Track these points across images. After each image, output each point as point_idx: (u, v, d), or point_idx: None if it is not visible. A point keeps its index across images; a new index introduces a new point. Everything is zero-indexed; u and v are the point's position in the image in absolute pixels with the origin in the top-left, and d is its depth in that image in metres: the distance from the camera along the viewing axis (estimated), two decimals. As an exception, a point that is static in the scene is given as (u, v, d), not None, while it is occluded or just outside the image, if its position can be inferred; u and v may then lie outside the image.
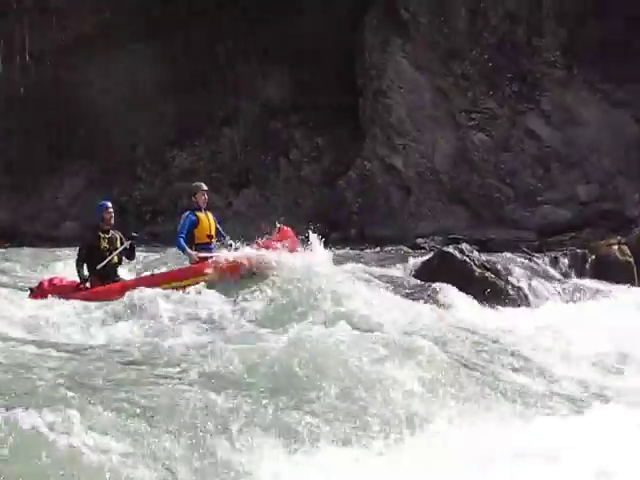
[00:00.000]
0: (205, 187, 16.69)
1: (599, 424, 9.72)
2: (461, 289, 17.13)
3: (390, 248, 27.65)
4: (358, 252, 26.02)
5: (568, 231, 27.02)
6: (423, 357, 10.87)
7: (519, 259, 21.27)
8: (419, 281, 18.47)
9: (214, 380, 9.49)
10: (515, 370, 12.10)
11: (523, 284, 18.79)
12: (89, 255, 15.30)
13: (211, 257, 15.91)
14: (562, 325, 15.19)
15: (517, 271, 19.34)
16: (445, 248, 20.47)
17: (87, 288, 15.15)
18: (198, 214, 16.16)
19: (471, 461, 8.50)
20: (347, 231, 30.26)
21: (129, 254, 16.06)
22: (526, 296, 18.39)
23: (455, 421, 9.59)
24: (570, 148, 29.56)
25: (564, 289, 19.42)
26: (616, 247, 21.86)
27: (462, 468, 8.22)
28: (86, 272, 15.35)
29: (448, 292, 16.94)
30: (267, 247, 15.96)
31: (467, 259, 18.92)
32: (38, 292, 15.25)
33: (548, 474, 8.24)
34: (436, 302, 16.47)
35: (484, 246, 23.26)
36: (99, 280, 15.30)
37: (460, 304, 16.70)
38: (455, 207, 30.05)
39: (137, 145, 35.20)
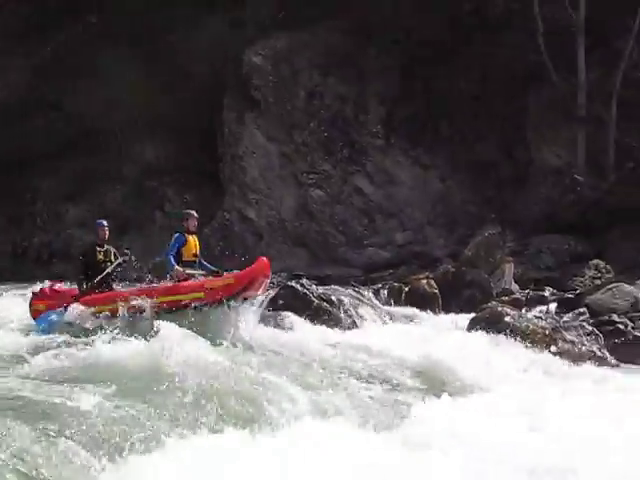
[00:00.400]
0: (195, 214, 16.41)
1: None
2: (303, 316, 17.64)
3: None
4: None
5: (388, 268, 27.43)
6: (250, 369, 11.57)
7: (349, 291, 21.21)
8: (268, 311, 18.47)
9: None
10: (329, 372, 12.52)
11: (352, 311, 19.05)
12: (87, 266, 15.02)
13: (194, 275, 15.74)
14: (381, 342, 15.43)
15: (347, 301, 19.44)
16: (289, 283, 20.49)
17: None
18: (187, 236, 15.91)
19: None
20: (211, 269, 29.89)
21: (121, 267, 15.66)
22: (354, 320, 18.62)
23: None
24: (389, 202, 30.39)
25: (384, 315, 19.81)
26: (425, 281, 22.36)
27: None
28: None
29: (290, 318, 17.46)
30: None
31: (307, 291, 19.28)
32: (41, 297, 14.98)
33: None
34: (279, 326, 17.03)
35: (321, 281, 23.44)
36: (95, 289, 15.06)
37: (299, 327, 17.14)
38: (298, 249, 30.51)
39: (37, 199, 34.92)
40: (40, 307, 15.37)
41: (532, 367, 14.69)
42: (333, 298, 19.26)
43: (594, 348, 16.23)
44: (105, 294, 14.94)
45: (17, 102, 35.16)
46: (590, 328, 17.24)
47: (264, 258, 15.77)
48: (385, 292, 22.69)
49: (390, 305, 21.39)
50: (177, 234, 15.94)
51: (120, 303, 14.54)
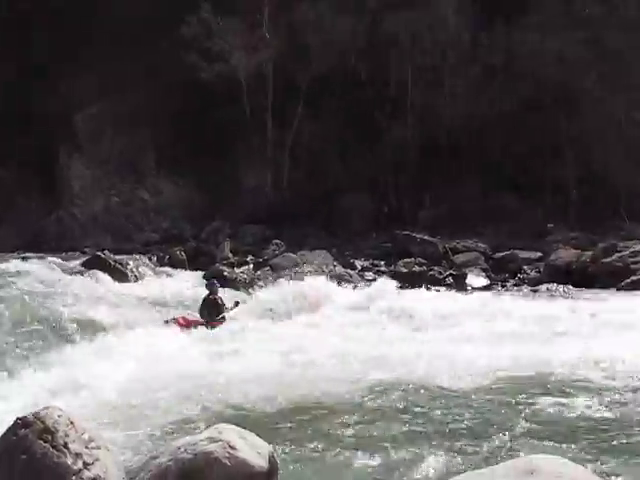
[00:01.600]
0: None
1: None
2: (105, 273, 17.64)
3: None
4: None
5: (157, 244, 25.98)
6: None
7: (135, 257, 20.87)
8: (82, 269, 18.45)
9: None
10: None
11: (135, 270, 19.06)
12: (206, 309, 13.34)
13: None
14: (153, 289, 16.89)
15: (132, 263, 19.52)
16: (97, 253, 20.03)
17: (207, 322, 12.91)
18: None
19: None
20: None
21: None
22: (136, 275, 18.72)
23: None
24: (159, 205, 29.11)
25: (155, 272, 19.97)
26: (178, 252, 22.36)
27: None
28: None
29: (98, 274, 17.29)
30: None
31: (107, 258, 19.15)
32: (181, 323, 12.91)
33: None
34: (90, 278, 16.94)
35: (118, 252, 21.41)
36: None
37: (101, 278, 17.07)
38: (104, 233, 27.73)
39: None
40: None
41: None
42: (123, 262, 19.20)
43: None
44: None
45: None
46: (271, 278, 18.69)
47: None
48: (155, 258, 22.68)
49: (158, 266, 21.30)
50: None
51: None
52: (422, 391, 7.62)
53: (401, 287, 16.53)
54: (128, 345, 10.04)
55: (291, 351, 9.91)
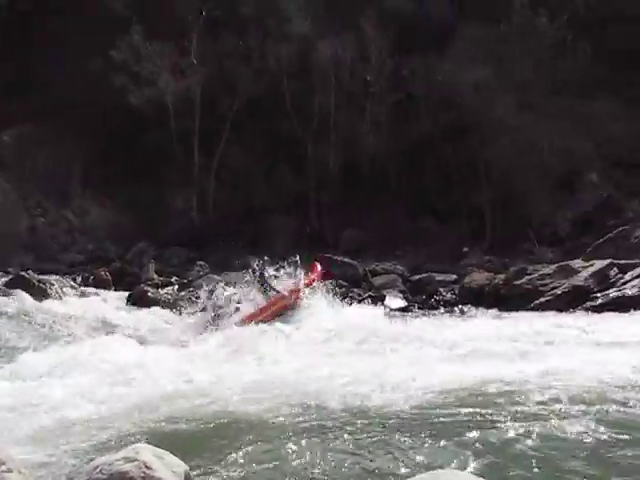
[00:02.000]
0: None
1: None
2: (28, 292, 17.42)
3: None
4: None
5: (82, 265, 25.64)
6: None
7: (58, 277, 20.74)
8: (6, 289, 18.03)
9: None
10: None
11: (58, 288, 18.97)
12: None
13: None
14: (76, 308, 16.80)
15: (56, 283, 19.43)
16: (21, 273, 19.84)
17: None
18: None
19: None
20: None
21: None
22: (59, 294, 18.53)
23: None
24: (83, 225, 28.64)
25: (78, 291, 19.92)
26: (103, 272, 22.40)
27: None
28: None
29: (20, 294, 17.18)
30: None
31: (30, 277, 19.11)
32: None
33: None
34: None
35: (42, 272, 21.44)
36: None
37: (21, 297, 16.96)
38: (28, 252, 27.00)
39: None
40: None
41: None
42: (47, 281, 19.14)
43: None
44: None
45: None
46: (195, 299, 17.73)
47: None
48: (79, 278, 22.37)
49: (82, 286, 21.06)
50: None
51: None
52: (341, 409, 7.60)
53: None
54: (48, 362, 9.98)
55: (213, 368, 9.91)
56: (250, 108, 28.70)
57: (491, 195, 26.56)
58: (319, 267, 15.31)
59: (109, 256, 26.11)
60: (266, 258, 14.53)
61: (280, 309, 13.75)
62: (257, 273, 14.16)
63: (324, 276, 15.27)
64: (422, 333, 12.69)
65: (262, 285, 13.94)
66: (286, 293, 13.90)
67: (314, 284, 14.38)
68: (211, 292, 15.46)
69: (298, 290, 13.93)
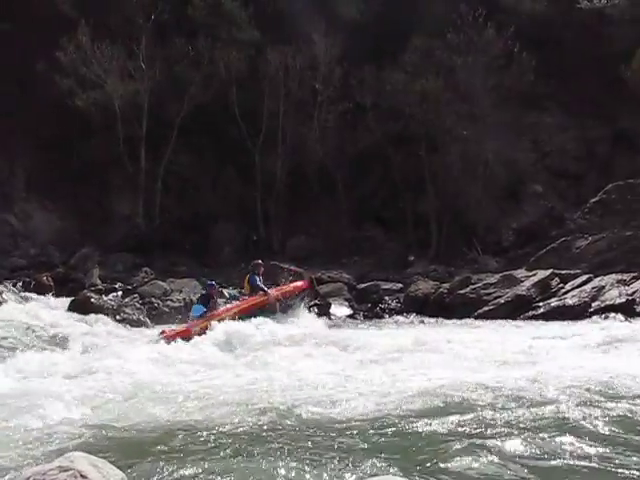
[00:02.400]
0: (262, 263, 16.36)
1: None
2: None
3: None
4: None
5: (24, 270, 24.62)
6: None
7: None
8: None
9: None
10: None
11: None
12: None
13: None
14: (18, 313, 16.52)
15: None
16: None
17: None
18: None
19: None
20: None
21: None
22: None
23: None
24: (27, 230, 27.86)
25: (19, 298, 19.37)
26: (45, 278, 21.95)
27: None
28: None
29: None
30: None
31: None
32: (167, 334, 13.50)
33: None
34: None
35: None
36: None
37: None
38: None
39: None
40: None
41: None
42: None
43: (141, 317, 17.68)
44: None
45: None
46: (139, 305, 18.70)
47: None
48: (20, 284, 21.96)
49: (24, 292, 20.63)
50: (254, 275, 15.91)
51: None
52: (285, 417, 7.53)
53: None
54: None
55: (158, 376, 9.82)
56: (198, 114, 28.59)
57: (437, 204, 26.90)
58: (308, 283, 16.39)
59: (53, 261, 25.57)
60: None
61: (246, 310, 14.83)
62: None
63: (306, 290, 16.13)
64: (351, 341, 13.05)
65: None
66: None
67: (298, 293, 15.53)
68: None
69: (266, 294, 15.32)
